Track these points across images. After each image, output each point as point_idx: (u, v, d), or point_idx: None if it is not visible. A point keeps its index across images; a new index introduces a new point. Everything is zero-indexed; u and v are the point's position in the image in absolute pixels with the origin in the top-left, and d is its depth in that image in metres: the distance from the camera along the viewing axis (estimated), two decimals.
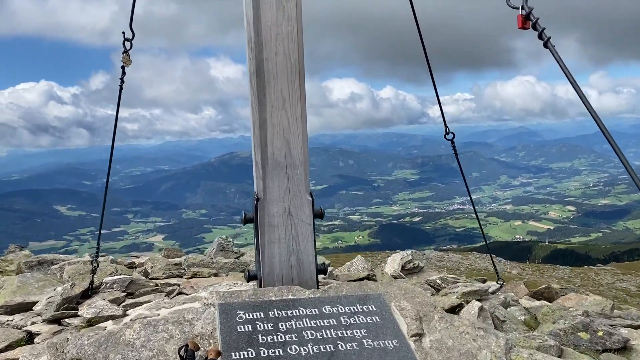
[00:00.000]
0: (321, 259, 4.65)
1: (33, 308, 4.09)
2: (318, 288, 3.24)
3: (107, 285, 4.64)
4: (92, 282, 4.46)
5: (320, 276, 3.37)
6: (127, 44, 4.08)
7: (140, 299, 4.41)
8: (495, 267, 5.94)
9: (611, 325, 4.37)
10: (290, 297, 2.96)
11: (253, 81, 3.07)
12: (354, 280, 5.41)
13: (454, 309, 4.47)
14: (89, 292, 4.58)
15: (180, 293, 4.71)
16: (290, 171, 3.16)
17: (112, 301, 4.28)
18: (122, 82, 4.34)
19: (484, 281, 6.59)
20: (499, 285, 5.65)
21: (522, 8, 2.50)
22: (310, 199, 3.30)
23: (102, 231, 4.84)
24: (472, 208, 5.75)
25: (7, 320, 3.85)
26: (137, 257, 8.20)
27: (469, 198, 5.84)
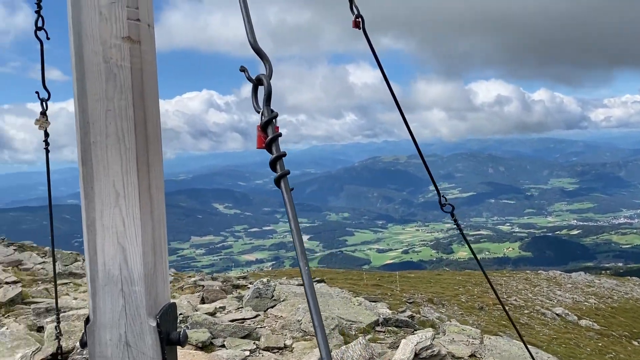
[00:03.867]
0: None
1: None
2: None
3: (78, 350, 4.35)
4: (59, 348, 4.21)
5: None
6: (43, 104, 3.72)
7: None
8: None
9: None
10: None
11: (80, 169, 2.37)
12: None
13: None
14: (58, 357, 4.33)
15: None
16: (126, 288, 2.39)
17: None
18: (47, 144, 3.99)
19: None
20: None
21: None
22: (155, 324, 2.50)
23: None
24: None
25: None
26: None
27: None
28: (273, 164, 1.06)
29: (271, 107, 1.10)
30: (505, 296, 31.09)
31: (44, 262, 11.12)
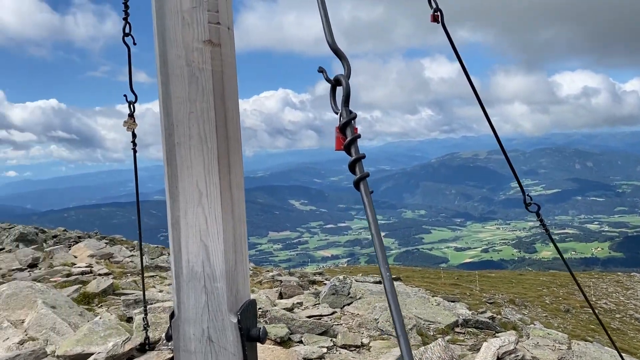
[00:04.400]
0: None
1: None
2: None
3: (164, 342, 4.53)
4: (147, 338, 4.41)
5: None
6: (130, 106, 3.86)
7: None
8: None
9: None
10: None
11: (165, 170, 2.45)
12: None
13: None
14: (146, 347, 4.53)
15: None
16: (209, 284, 2.44)
17: None
18: (135, 144, 4.15)
19: None
20: None
21: None
22: (236, 320, 2.53)
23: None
24: None
25: None
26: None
27: None
28: (352, 166, 1.04)
29: (349, 108, 1.07)
30: (594, 299, 29.34)
31: (132, 255, 11.77)
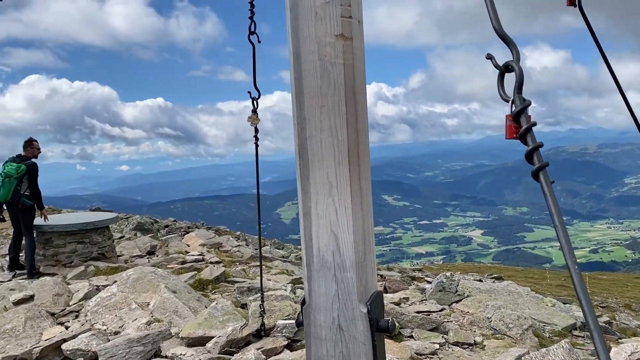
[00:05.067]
0: None
1: (207, 344, 4.38)
2: None
3: (278, 329, 4.65)
4: (262, 324, 4.56)
5: None
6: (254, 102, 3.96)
7: (295, 354, 4.12)
8: None
9: None
10: None
11: (297, 162, 2.51)
12: None
13: None
14: (262, 333, 4.69)
15: None
16: (339, 274, 2.47)
17: (267, 351, 4.22)
18: (257, 139, 4.27)
19: None
20: None
21: None
22: (366, 310, 2.53)
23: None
24: None
25: (181, 354, 4.22)
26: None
27: None
28: (529, 156, 1.00)
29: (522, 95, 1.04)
30: None
31: (239, 245, 12.31)
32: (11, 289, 6.92)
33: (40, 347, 4.25)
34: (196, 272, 7.37)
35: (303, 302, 2.65)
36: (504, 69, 1.08)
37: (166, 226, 16.12)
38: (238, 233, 17.18)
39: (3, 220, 8.74)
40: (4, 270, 9.10)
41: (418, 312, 5.04)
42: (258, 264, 9.56)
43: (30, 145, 8.81)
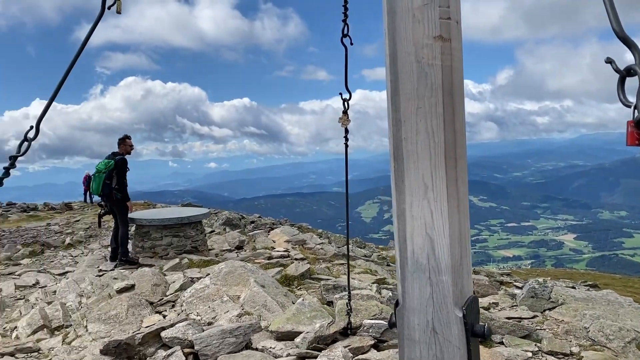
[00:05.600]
0: None
1: (295, 339, 4.46)
2: None
3: (365, 328, 4.63)
4: (349, 322, 4.56)
5: None
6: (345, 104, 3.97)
7: (383, 354, 4.09)
8: None
9: None
10: None
11: (392, 164, 2.52)
12: None
13: None
14: (348, 332, 4.70)
15: None
16: (434, 277, 2.44)
17: (354, 349, 4.22)
18: (347, 139, 4.26)
19: None
20: None
21: None
22: (461, 314, 2.48)
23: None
24: None
25: (270, 347, 4.34)
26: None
27: None
28: None
29: None
30: None
31: (322, 243, 12.46)
32: (114, 278, 7.47)
33: (142, 334, 4.56)
34: (282, 268, 7.56)
35: (396, 304, 2.66)
36: (625, 73, 1.04)
37: (252, 222, 16.65)
38: (320, 230, 17.39)
39: (108, 212, 9.44)
40: (106, 260, 9.84)
41: (509, 318, 4.87)
42: (341, 262, 9.64)
43: (124, 142, 9.45)
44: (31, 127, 2.45)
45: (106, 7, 2.48)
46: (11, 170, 2.42)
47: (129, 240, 12.02)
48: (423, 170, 2.40)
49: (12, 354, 5.33)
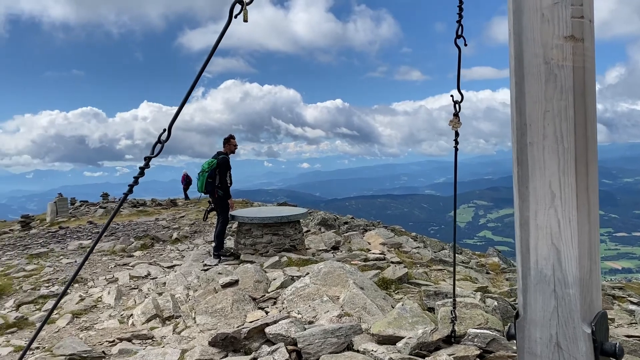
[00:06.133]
0: None
1: (397, 343, 4.40)
2: None
3: (469, 337, 4.45)
4: (453, 330, 4.41)
5: None
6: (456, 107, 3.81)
7: None
8: None
9: None
10: None
11: (515, 170, 2.41)
12: None
13: None
14: (452, 340, 4.55)
15: None
16: (559, 289, 2.30)
17: (458, 358, 4.06)
18: (457, 142, 4.10)
19: None
20: None
21: None
22: (590, 331, 2.31)
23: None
24: None
25: (372, 350, 4.31)
26: None
27: None
28: None
29: None
30: None
31: (417, 247, 12.26)
32: (219, 273, 7.84)
33: (248, 328, 4.74)
34: (379, 271, 7.53)
35: (516, 315, 2.56)
36: None
37: (345, 222, 16.74)
38: (414, 234, 17.12)
39: (214, 210, 9.94)
40: (210, 256, 10.35)
41: (628, 336, 4.50)
42: (439, 267, 9.42)
43: (228, 142, 9.90)
44: (164, 130, 2.63)
45: (233, 15, 2.61)
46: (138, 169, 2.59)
47: (229, 237, 12.56)
48: (550, 177, 2.30)
49: (129, 340, 5.77)
